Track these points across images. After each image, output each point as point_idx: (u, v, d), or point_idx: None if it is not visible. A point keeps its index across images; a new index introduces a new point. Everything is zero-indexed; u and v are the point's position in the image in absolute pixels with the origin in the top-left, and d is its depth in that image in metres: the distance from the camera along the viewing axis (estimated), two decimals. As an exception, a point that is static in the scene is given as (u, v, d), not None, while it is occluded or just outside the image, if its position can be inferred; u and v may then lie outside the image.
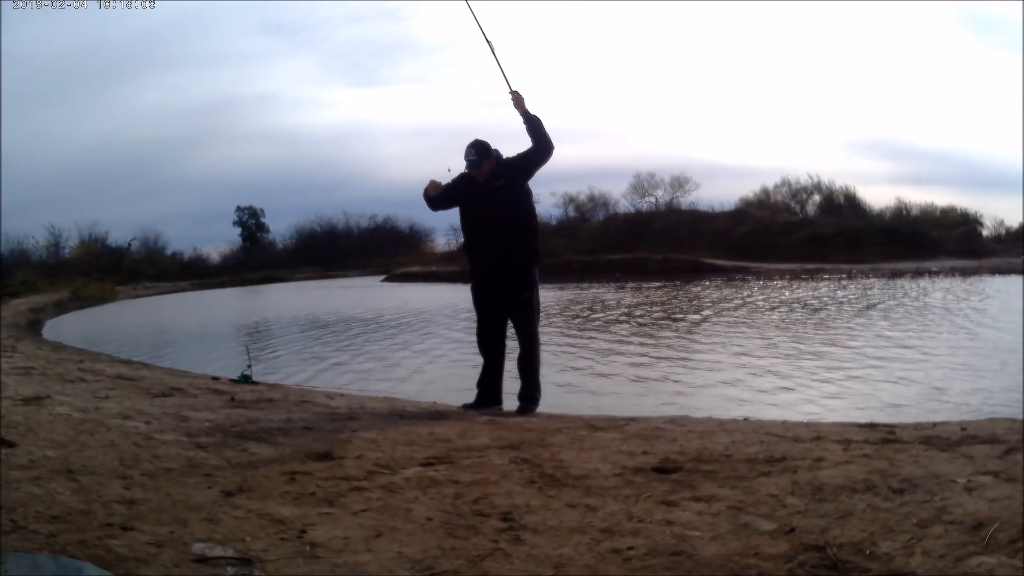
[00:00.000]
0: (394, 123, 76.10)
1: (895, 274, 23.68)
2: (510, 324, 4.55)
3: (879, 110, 62.36)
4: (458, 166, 4.50)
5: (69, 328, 15.82)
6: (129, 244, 48.29)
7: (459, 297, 18.51)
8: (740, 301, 15.40)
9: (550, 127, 4.35)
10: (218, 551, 1.82)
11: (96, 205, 78.12)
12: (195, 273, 46.12)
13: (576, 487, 2.51)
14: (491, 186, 4.38)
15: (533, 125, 4.36)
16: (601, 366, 7.48)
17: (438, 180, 4.46)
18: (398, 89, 76.98)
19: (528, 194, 4.50)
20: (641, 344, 9.21)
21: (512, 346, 4.57)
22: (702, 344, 9.01)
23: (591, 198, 42.34)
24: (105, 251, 45.94)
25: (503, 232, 4.39)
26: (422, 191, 4.49)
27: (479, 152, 4.39)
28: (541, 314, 4.67)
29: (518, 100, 4.36)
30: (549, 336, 9.87)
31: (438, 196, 4.50)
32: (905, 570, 1.71)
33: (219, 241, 55.53)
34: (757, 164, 67.80)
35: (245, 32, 77.26)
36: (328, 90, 78.73)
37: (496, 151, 4.47)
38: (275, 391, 5.22)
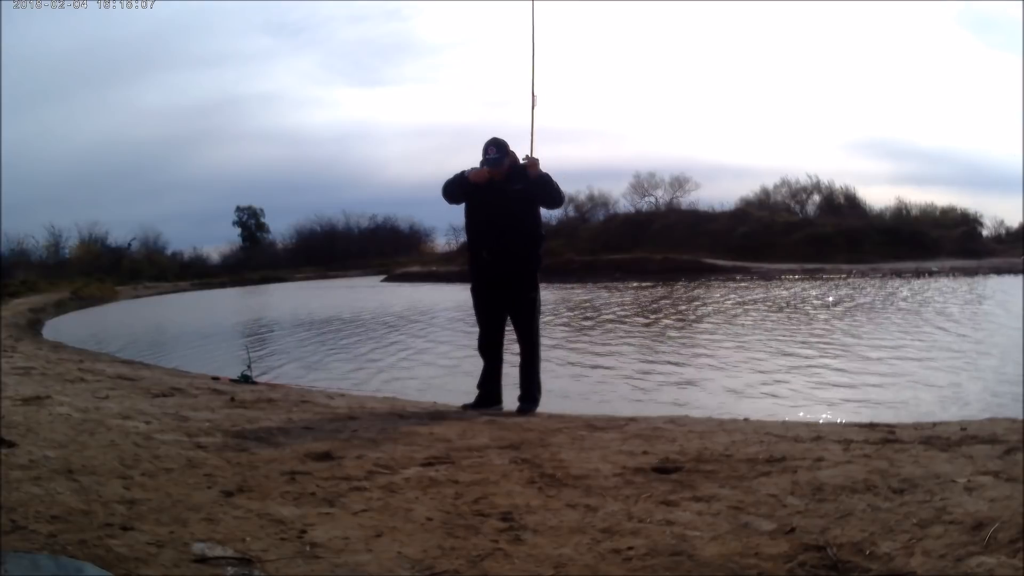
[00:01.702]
0: (395, 123, 76.25)
1: (895, 274, 23.69)
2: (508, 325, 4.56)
3: (879, 110, 62.44)
4: (460, 165, 4.49)
5: (69, 328, 15.82)
6: (129, 244, 48.28)
7: (459, 297, 18.52)
8: (738, 300, 15.40)
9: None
10: (218, 551, 1.82)
11: (96, 205, 78.27)
12: (195, 273, 46.07)
13: (576, 487, 2.51)
14: (509, 188, 4.34)
15: (546, 185, 4.36)
16: (600, 365, 7.47)
17: (483, 169, 4.35)
18: (400, 89, 77.12)
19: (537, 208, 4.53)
20: (639, 343, 9.20)
21: (510, 344, 4.58)
22: (700, 344, 9.01)
23: (591, 198, 42.33)
24: (105, 251, 45.86)
25: (515, 235, 4.38)
26: (469, 174, 4.35)
27: (501, 150, 4.35)
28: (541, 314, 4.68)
29: (534, 165, 4.36)
30: (546, 335, 9.88)
31: (459, 189, 4.43)
32: (905, 570, 1.71)
33: (219, 241, 55.60)
34: (757, 164, 67.89)
35: (247, 32, 77.35)
36: (330, 90, 78.81)
37: (513, 152, 4.46)
38: (275, 391, 5.22)
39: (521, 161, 4.39)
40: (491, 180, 4.36)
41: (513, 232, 4.38)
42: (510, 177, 4.35)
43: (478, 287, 4.56)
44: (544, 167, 4.41)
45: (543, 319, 4.75)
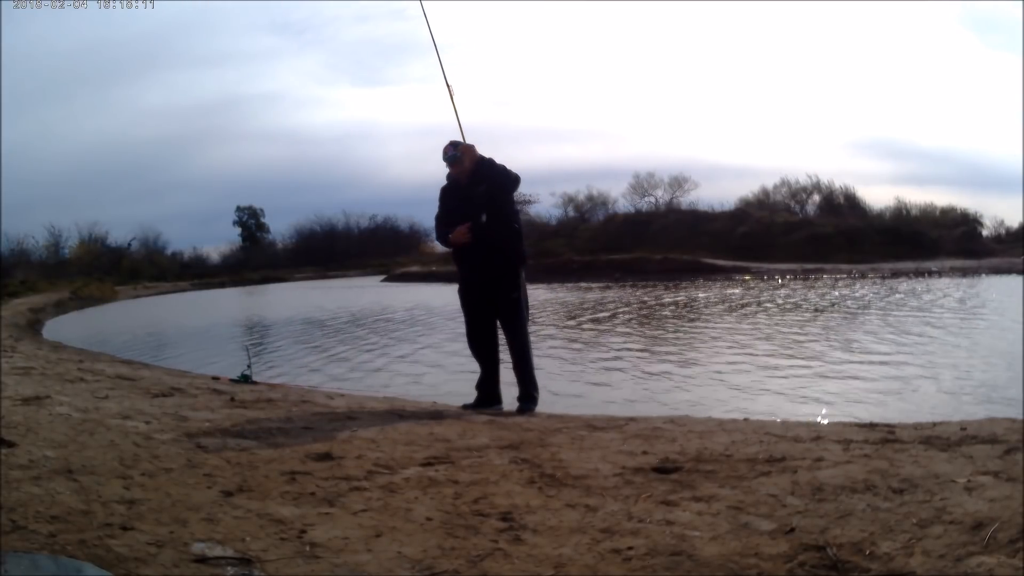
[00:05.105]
0: (398, 123, 76.40)
1: (895, 274, 23.67)
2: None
3: (880, 110, 62.50)
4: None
5: (69, 328, 15.81)
6: (129, 244, 48.32)
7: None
8: (738, 300, 15.39)
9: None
10: (218, 551, 1.82)
11: (96, 205, 78.42)
12: (195, 273, 46.13)
13: (576, 487, 2.51)
14: (474, 191, 4.35)
15: (495, 174, 4.32)
16: (601, 365, 7.47)
17: (463, 229, 4.37)
18: (403, 89, 77.12)
19: (510, 200, 4.50)
20: (639, 343, 9.20)
21: (506, 348, 4.58)
22: (699, 343, 9.01)
23: (590, 198, 42.43)
24: (105, 251, 45.87)
25: (488, 236, 4.37)
26: (452, 241, 4.43)
27: (457, 149, 4.39)
28: (530, 313, 4.68)
29: (468, 151, 4.36)
30: (548, 336, 9.88)
31: (442, 229, 4.51)
32: (905, 570, 1.71)
33: (219, 241, 55.80)
34: (757, 164, 67.98)
35: (251, 31, 77.48)
36: (333, 89, 78.87)
37: (471, 146, 4.46)
38: (275, 391, 5.22)
39: (452, 153, 4.39)
40: (458, 186, 4.41)
41: (486, 230, 4.36)
42: (476, 179, 4.36)
43: (465, 288, 4.58)
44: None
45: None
